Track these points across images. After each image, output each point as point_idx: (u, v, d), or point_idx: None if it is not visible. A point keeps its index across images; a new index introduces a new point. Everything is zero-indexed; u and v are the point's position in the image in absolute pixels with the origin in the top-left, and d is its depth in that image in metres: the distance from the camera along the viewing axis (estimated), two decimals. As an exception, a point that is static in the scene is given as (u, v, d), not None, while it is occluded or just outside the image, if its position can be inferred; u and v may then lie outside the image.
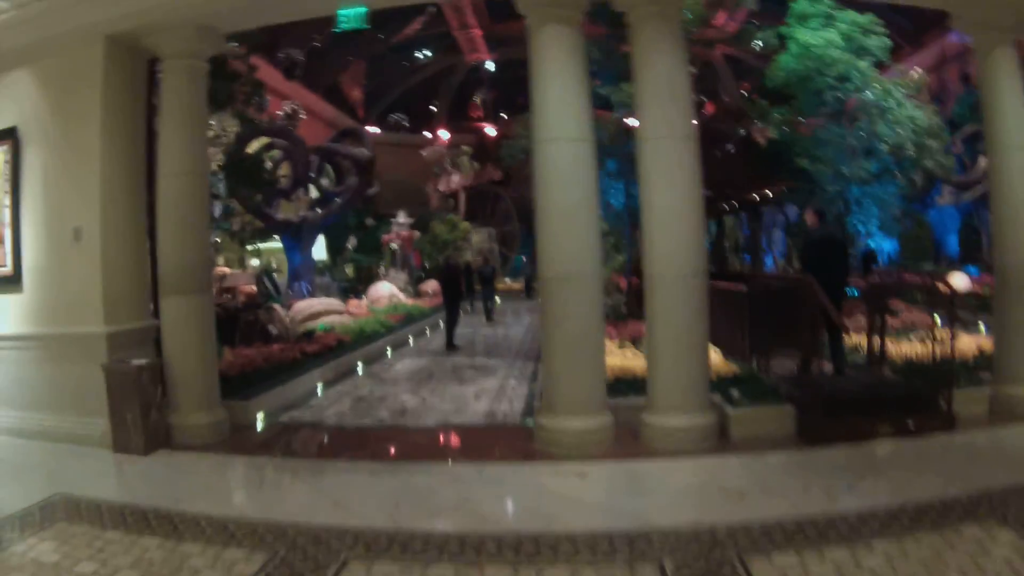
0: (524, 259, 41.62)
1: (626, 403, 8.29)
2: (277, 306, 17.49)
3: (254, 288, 14.91)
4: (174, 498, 6.49)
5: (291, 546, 5.33)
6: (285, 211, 23.76)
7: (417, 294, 28.29)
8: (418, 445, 8.38)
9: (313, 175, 23.88)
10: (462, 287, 16.93)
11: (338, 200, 23.99)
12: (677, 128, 7.80)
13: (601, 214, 15.34)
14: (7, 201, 9.04)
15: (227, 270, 18.82)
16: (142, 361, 8.34)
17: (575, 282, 7.72)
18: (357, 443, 8.54)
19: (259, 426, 9.47)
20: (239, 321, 13.09)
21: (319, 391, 11.72)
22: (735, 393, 8.31)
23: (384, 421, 9.54)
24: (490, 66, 47.21)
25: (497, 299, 26.82)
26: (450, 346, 16.57)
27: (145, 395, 8.21)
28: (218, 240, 26.85)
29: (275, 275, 25.29)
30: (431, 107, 49.92)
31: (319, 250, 30.39)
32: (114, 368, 8.24)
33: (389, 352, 16.34)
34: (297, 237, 23.15)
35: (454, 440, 8.73)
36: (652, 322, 7.93)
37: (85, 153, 8.54)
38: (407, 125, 41.18)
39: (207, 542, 5.48)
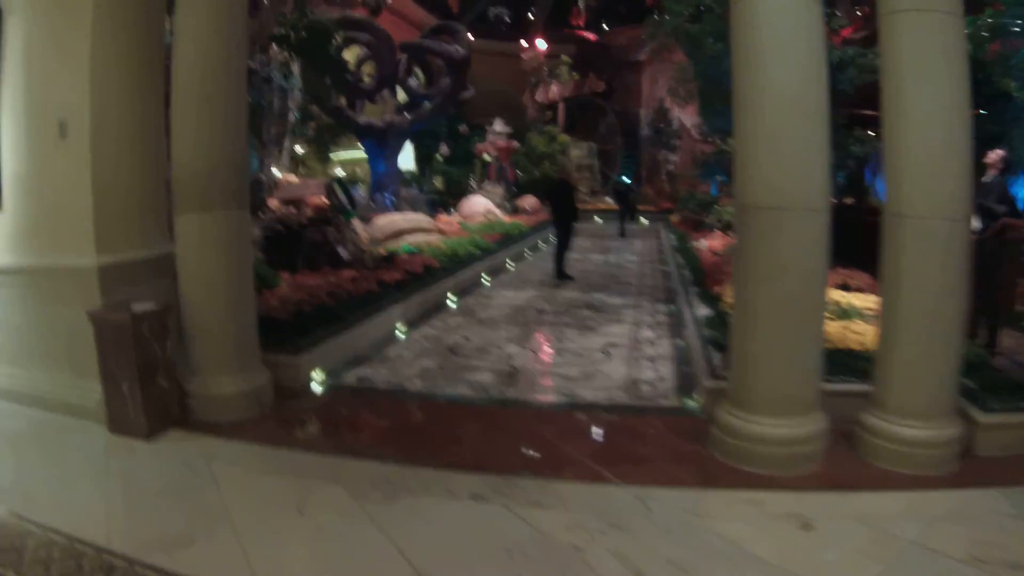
0: (625, 177, 38.61)
1: (828, 388, 5.46)
2: (356, 221, 14.98)
3: (325, 200, 12.27)
4: (146, 542, 3.98)
5: None
6: (369, 115, 21.19)
7: (514, 210, 25.55)
8: (538, 439, 5.67)
9: (401, 75, 21.09)
10: (576, 206, 14.10)
11: (428, 104, 21.14)
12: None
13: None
14: (-16, 88, 6.57)
15: (292, 177, 16.20)
16: (143, 306, 5.84)
17: (796, 218, 4.86)
18: (448, 431, 5.91)
19: (315, 389, 6.97)
20: (303, 241, 10.57)
21: (400, 334, 9.16)
22: (973, 388, 5.58)
23: (486, 390, 6.90)
24: None
25: (643, 219, 26.58)
26: (560, 275, 13.88)
27: (146, 354, 5.76)
28: (298, 149, 24.59)
29: (354, 185, 22.92)
30: (529, 14, 46.87)
31: (406, 159, 27.89)
32: (102, 317, 5.77)
33: (487, 280, 13.71)
34: (382, 144, 20.56)
35: (588, 431, 5.96)
36: (892, 284, 5.13)
37: (77, 18, 6.02)
38: (508, 21, 38.24)
39: None
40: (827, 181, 4.94)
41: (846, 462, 5.07)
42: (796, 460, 4.96)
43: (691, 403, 6.44)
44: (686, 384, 6.98)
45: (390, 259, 11.20)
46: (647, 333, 9.17)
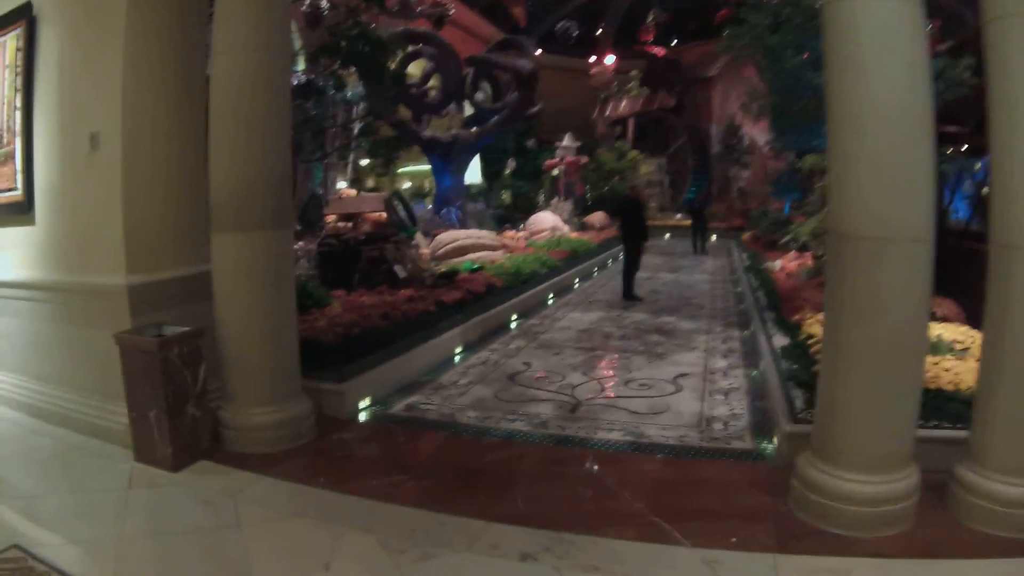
0: (695, 193, 37.76)
1: (916, 434, 4.72)
2: (420, 236, 14.57)
3: (384, 215, 11.84)
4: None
5: None
6: (435, 129, 20.88)
7: (582, 227, 24.94)
8: (598, 485, 5.09)
9: (467, 89, 20.74)
10: (646, 224, 13.50)
11: (495, 118, 20.74)
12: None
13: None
14: (18, 102, 6.31)
15: (350, 191, 15.84)
16: (174, 329, 5.45)
17: (901, 250, 4.22)
18: (499, 472, 5.35)
19: (360, 419, 6.51)
20: (360, 258, 10.16)
21: (456, 358, 8.67)
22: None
23: (545, 425, 6.33)
24: None
25: (713, 236, 26.25)
26: (628, 296, 13.27)
27: (176, 381, 5.34)
28: (360, 163, 24.35)
29: (420, 200, 22.58)
30: (598, 30, 46.40)
31: (473, 174, 27.53)
32: (129, 340, 5.37)
33: (551, 300, 13.16)
34: (447, 158, 20.27)
35: (654, 478, 5.32)
36: (998, 320, 4.44)
37: (110, 31, 5.70)
38: (576, 33, 37.76)
39: None
40: (932, 206, 4.28)
41: (938, 522, 4.38)
42: (885, 521, 4.29)
43: (768, 447, 5.80)
44: (762, 423, 6.33)
45: (451, 277, 10.73)
46: (720, 362, 8.52)
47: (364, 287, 9.88)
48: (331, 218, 11.66)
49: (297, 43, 17.16)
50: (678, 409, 6.74)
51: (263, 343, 5.77)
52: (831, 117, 4.40)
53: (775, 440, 5.84)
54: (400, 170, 33.91)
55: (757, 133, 35.51)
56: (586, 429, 6.19)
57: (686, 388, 7.42)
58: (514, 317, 11.12)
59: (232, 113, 5.62)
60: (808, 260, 13.73)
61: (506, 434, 6.09)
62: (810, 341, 7.38)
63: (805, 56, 10.89)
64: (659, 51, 43.62)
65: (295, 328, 6.10)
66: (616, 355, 8.94)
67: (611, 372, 8.07)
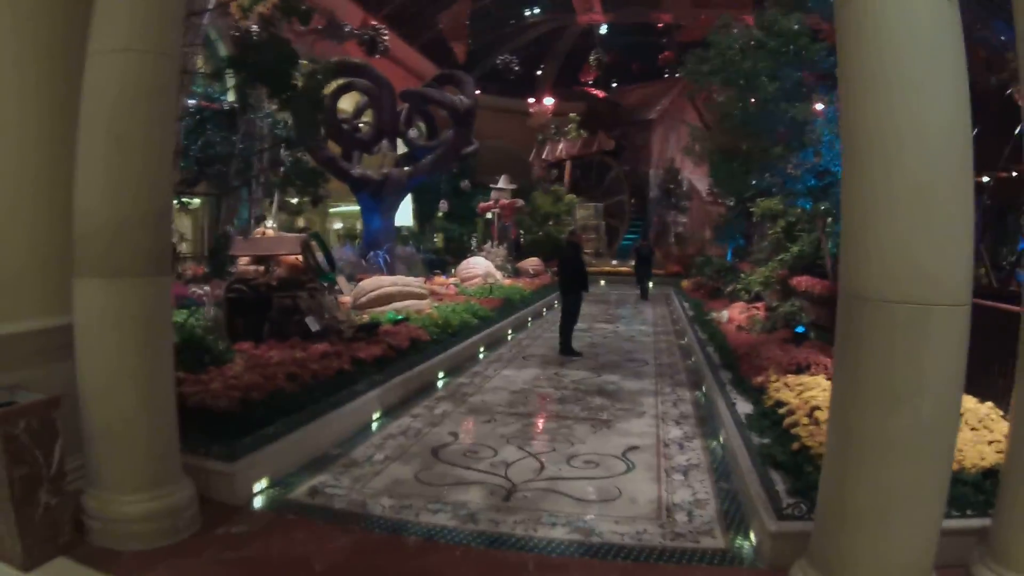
0: (634, 239, 37.31)
1: None
2: (343, 283, 13.49)
3: (300, 259, 10.76)
4: None
5: None
6: (367, 167, 19.92)
7: (515, 273, 24.07)
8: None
9: (401, 126, 19.81)
10: (585, 272, 12.65)
11: (430, 156, 19.82)
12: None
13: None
14: None
15: (268, 231, 14.66)
16: (23, 397, 4.38)
17: (945, 316, 3.39)
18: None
19: (255, 503, 5.50)
20: (271, 307, 9.08)
21: (374, 425, 7.65)
22: None
23: (473, 518, 5.30)
24: (603, 29, 43.01)
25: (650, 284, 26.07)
26: (566, 351, 12.37)
27: (24, 462, 4.31)
28: (293, 200, 23.27)
29: (352, 242, 21.50)
30: (538, 71, 46.14)
31: (404, 215, 26.57)
32: (-46, 415, 4.27)
33: (482, 355, 12.18)
34: (378, 198, 19.26)
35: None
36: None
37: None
38: (517, 68, 37.17)
39: None
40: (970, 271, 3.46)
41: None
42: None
43: (745, 545, 4.88)
44: (733, 512, 5.43)
45: (372, 330, 9.68)
46: (674, 431, 7.62)
47: (275, 339, 8.79)
48: (244, 260, 10.53)
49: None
50: (632, 494, 5.79)
51: (134, 415, 4.72)
52: (850, 147, 3.56)
53: (753, 537, 4.94)
54: (332, 210, 32.95)
55: (696, 178, 35.39)
56: (524, 523, 5.18)
57: (639, 465, 6.48)
58: (441, 375, 10.10)
59: (106, 127, 4.60)
60: (761, 311, 13.03)
61: (427, 532, 5.03)
62: (782, 410, 6.56)
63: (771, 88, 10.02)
64: (599, 93, 43.50)
65: (172, 396, 5.04)
66: (555, 423, 7.95)
67: (550, 445, 7.09)
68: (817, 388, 6.92)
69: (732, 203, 22.91)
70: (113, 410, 4.69)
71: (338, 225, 32.80)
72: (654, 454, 6.85)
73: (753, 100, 10.38)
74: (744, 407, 7.33)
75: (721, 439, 7.19)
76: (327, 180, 17.42)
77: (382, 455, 6.67)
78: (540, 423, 8.00)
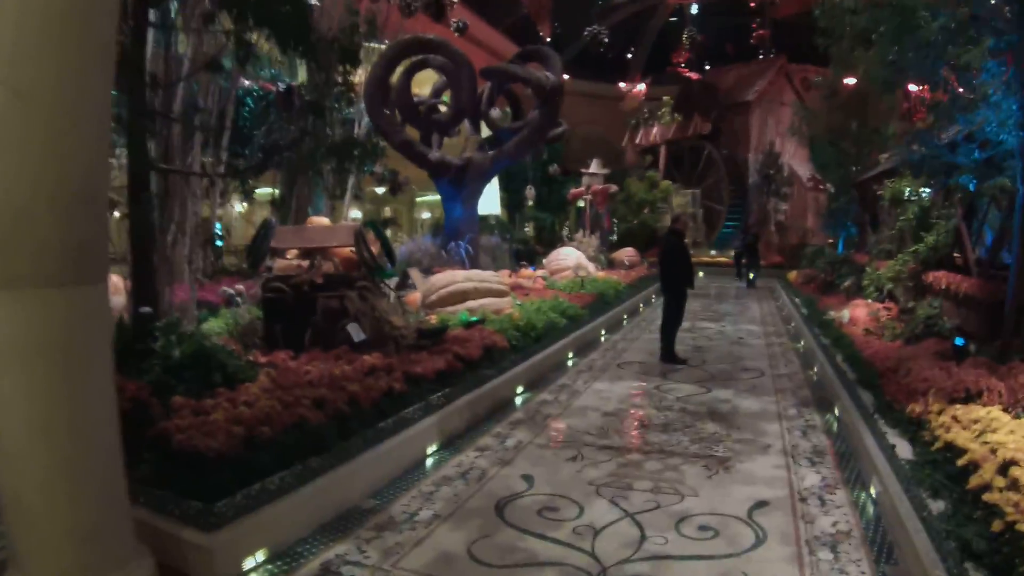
0: (734, 227, 35.16)
1: None
2: (416, 275, 11.96)
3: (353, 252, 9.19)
4: None
5: None
6: (448, 151, 18.44)
7: (609, 264, 22.33)
8: None
9: (483, 106, 18.19)
10: (691, 265, 10.89)
11: (514, 138, 18.12)
12: None
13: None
14: None
15: (320, 219, 12.99)
16: None
17: None
18: None
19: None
20: (315, 310, 7.61)
21: (428, 462, 6.09)
22: None
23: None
24: (694, 10, 41.62)
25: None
26: (668, 358, 10.66)
27: None
28: (376, 189, 22.14)
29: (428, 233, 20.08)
30: (628, 54, 44.42)
31: (491, 204, 25.05)
32: None
33: (570, 360, 10.53)
34: (458, 184, 17.64)
35: None
36: None
37: None
38: (607, 40, 35.54)
39: None
40: None
41: None
42: None
43: None
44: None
45: (438, 336, 8.13)
46: (810, 476, 5.84)
47: (319, 349, 7.33)
48: (291, 254, 9.04)
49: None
50: (768, 580, 4.09)
51: (48, 479, 3.28)
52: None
53: None
54: (418, 199, 31.82)
55: (797, 163, 33.27)
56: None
57: (771, 533, 4.74)
58: (520, 390, 8.46)
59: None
60: (893, 312, 11.09)
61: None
62: (961, 461, 4.73)
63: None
64: (693, 75, 41.60)
65: (115, 447, 3.55)
66: (659, 462, 6.22)
67: (653, 498, 5.38)
68: (1002, 429, 5.00)
69: (833, 189, 21.24)
70: (20, 474, 3.24)
71: (425, 215, 31.69)
72: (789, 513, 5.09)
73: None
74: (901, 447, 5.53)
75: (873, 491, 5.41)
76: (377, 157, 16.15)
77: (430, 511, 5.05)
78: (639, 461, 6.28)
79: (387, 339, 7.71)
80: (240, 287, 8.39)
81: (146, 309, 6.35)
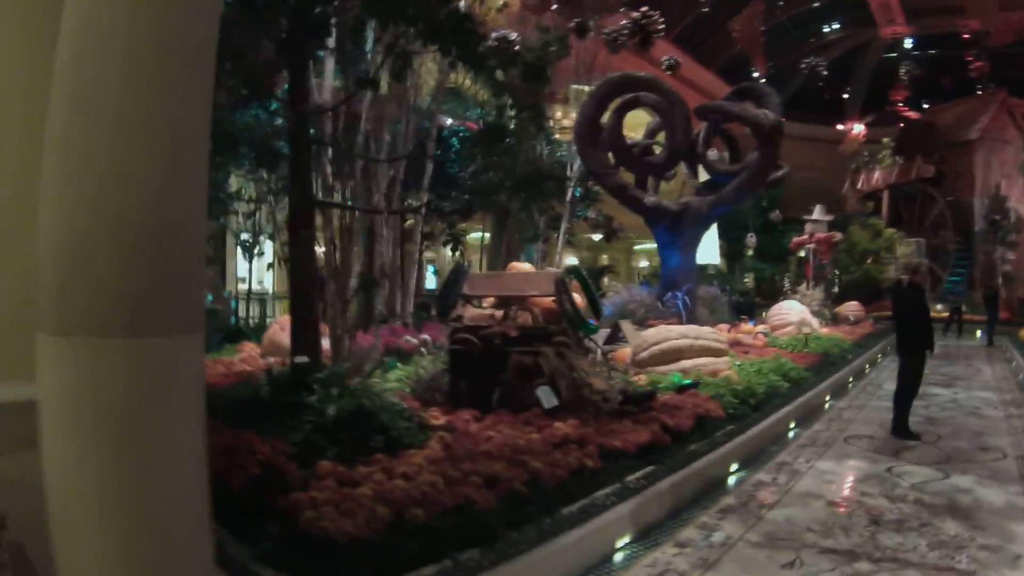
0: (958, 280, 32.47)
1: None
2: (628, 328, 10.95)
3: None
4: None
5: None
6: (665, 196, 17.58)
7: (833, 319, 20.61)
8: None
9: (700, 147, 17.13)
10: (931, 325, 9.42)
11: (733, 182, 16.91)
12: None
13: None
14: None
15: (522, 265, 12.07)
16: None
17: None
18: None
19: None
20: (505, 366, 6.88)
21: (616, 558, 5.11)
22: None
23: None
24: (907, 43, 40.10)
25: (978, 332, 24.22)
26: (901, 431, 9.23)
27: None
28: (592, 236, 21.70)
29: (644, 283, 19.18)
30: (843, 95, 42.60)
31: (711, 252, 23.89)
32: None
33: (791, 432, 9.26)
34: (675, 230, 16.65)
35: None
36: None
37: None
38: (825, 72, 33.78)
39: None
40: None
41: None
42: None
43: None
44: None
45: (645, 401, 7.17)
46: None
47: (508, 410, 6.58)
48: (488, 302, 8.33)
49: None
50: None
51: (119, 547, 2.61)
52: None
53: None
54: (636, 247, 31.09)
55: (1024, 206, 30.66)
56: None
57: None
58: (733, 469, 7.33)
59: (66, 88, 2.50)
60: None
61: None
62: None
63: None
64: (912, 114, 40.13)
65: (206, 521, 2.87)
66: (891, 573, 4.96)
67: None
68: None
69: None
70: (88, 539, 2.62)
71: (643, 263, 31.02)
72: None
73: None
74: None
75: None
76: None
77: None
78: (869, 574, 5.01)
79: (586, 403, 6.83)
80: (425, 336, 7.77)
81: (302, 358, 5.79)
